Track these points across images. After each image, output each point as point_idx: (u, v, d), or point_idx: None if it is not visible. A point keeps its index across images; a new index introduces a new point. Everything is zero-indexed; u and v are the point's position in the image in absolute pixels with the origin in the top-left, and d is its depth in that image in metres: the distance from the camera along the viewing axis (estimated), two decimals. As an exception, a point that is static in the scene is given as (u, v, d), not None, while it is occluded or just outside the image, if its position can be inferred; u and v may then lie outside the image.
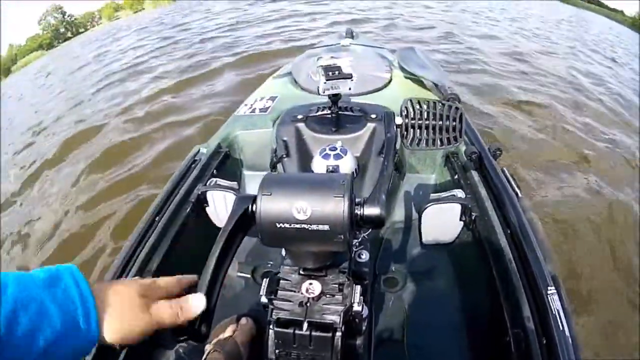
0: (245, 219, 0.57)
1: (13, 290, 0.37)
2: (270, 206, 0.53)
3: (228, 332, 0.92)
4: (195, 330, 0.54)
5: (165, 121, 3.92)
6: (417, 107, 1.14)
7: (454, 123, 1.16)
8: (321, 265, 0.67)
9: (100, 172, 3.23)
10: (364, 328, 0.72)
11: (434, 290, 1.25)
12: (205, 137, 1.85)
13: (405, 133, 1.15)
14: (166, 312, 0.49)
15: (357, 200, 0.59)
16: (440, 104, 1.15)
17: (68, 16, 33.10)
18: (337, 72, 1.25)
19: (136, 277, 0.50)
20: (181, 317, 0.50)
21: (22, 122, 5.84)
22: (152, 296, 0.50)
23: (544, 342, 0.79)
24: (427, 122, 1.15)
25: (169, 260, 1.14)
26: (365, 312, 0.69)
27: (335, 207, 0.52)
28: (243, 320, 0.97)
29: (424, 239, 1.32)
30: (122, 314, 0.45)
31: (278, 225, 0.53)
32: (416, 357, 1.07)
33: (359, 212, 0.58)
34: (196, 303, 0.51)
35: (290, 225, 0.53)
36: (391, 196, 1.49)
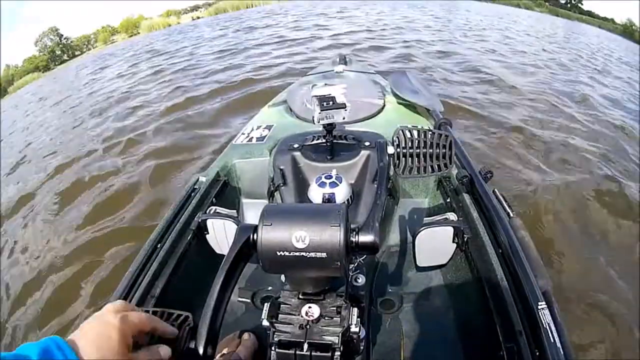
0: (246, 248, 0.60)
1: None
2: (270, 235, 0.57)
3: (231, 347, 0.95)
4: (203, 353, 0.57)
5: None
6: (408, 135, 1.20)
7: (444, 150, 1.21)
8: (319, 290, 0.70)
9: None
10: (361, 348, 0.76)
11: (429, 310, 1.28)
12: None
13: (397, 162, 1.20)
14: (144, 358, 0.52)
15: (352, 227, 0.63)
16: (430, 133, 1.20)
17: (64, 38, 33.36)
18: (331, 102, 1.30)
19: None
20: None
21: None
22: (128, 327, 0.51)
23: (537, 354, 0.82)
24: (417, 150, 1.20)
25: (172, 286, 1.17)
26: (363, 333, 0.73)
27: (332, 235, 0.56)
28: (245, 336, 0.99)
29: (418, 262, 1.35)
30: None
31: (278, 254, 0.57)
32: None
33: (354, 240, 0.62)
34: (164, 353, 0.54)
35: (289, 253, 0.56)
36: (386, 221, 1.52)
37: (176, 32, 16.67)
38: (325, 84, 1.95)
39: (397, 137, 1.20)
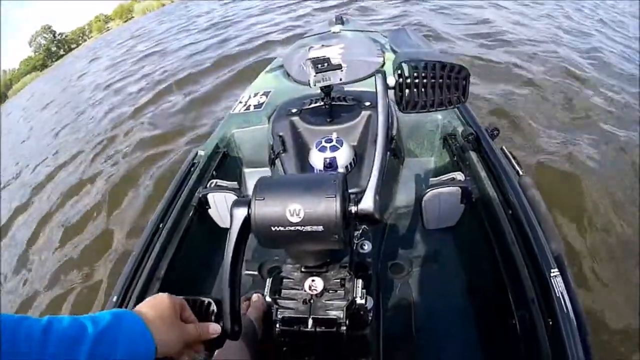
0: (245, 223, 0.58)
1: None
2: (264, 210, 0.54)
3: (242, 310, 0.94)
4: (231, 331, 0.58)
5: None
6: (413, 64, 0.99)
7: (456, 81, 0.93)
8: (322, 262, 0.68)
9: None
10: (370, 319, 0.73)
11: (440, 275, 1.25)
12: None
13: (400, 95, 0.92)
14: (192, 331, 0.54)
15: (352, 193, 0.60)
16: (440, 64, 1.01)
17: (58, 34, 33.12)
18: (326, 64, 1.24)
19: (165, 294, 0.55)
20: (202, 337, 0.55)
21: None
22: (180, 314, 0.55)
23: (550, 323, 0.79)
24: (425, 80, 0.92)
25: (177, 264, 1.16)
26: (370, 304, 0.71)
27: (328, 207, 0.53)
28: (254, 297, 0.98)
29: (426, 225, 1.32)
30: (164, 328, 0.51)
31: (273, 229, 0.54)
32: (424, 341, 1.08)
33: (352, 210, 0.58)
34: (213, 330, 0.56)
35: (284, 227, 0.54)
36: (391, 182, 1.48)
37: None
38: (322, 45, 1.88)
39: (400, 65, 1.00)
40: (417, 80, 0.90)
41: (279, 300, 0.66)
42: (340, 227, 0.53)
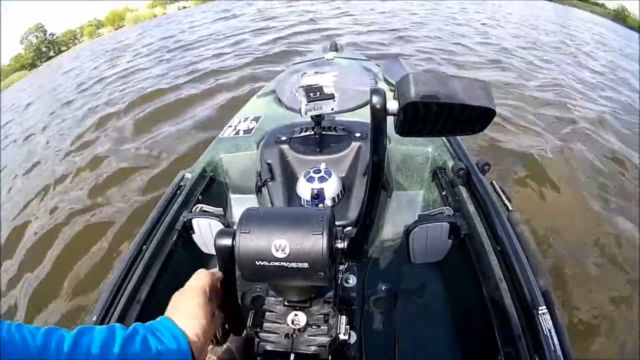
0: (230, 255, 0.56)
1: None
2: (249, 244, 0.53)
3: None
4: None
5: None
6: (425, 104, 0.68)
7: (480, 120, 0.61)
8: (306, 298, 0.66)
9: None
10: (352, 354, 0.71)
11: (425, 309, 1.23)
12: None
13: (403, 120, 0.66)
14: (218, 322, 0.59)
15: (340, 225, 0.59)
16: (462, 107, 0.76)
17: (49, 35, 32.81)
18: (318, 93, 1.24)
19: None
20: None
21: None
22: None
23: (536, 359, 0.79)
24: (439, 117, 0.59)
25: (158, 288, 1.11)
26: (353, 339, 0.69)
27: (314, 244, 0.51)
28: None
29: (413, 259, 1.30)
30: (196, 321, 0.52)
31: (257, 263, 0.53)
32: None
33: (340, 247, 0.57)
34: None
35: (269, 262, 0.52)
36: (378, 215, 1.46)
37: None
38: (315, 72, 1.89)
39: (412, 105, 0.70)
40: (430, 114, 0.64)
41: (260, 334, 0.65)
42: (327, 264, 0.52)
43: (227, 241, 0.54)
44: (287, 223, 0.54)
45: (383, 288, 1.30)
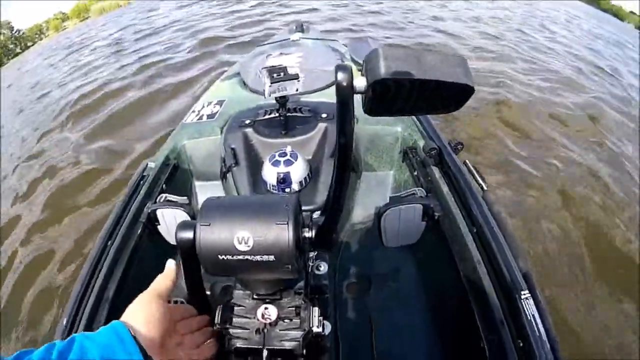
0: (192, 249, 0.52)
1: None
2: (210, 237, 0.49)
3: None
4: None
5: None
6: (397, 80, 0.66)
7: (456, 98, 0.58)
8: (275, 290, 0.63)
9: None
10: (327, 345, 0.69)
11: (400, 294, 1.20)
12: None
13: (372, 98, 0.58)
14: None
15: (307, 210, 0.55)
16: (437, 83, 0.83)
17: (16, 31, 31.61)
18: (282, 74, 1.19)
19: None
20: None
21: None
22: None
23: (521, 345, 0.76)
24: (413, 93, 0.63)
25: (126, 285, 1.06)
26: (328, 330, 0.66)
27: (279, 235, 0.48)
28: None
29: (385, 242, 1.26)
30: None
31: (220, 257, 0.49)
32: None
33: (307, 235, 0.54)
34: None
35: (232, 256, 0.49)
36: (348, 198, 1.43)
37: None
38: (280, 53, 1.84)
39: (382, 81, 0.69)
40: (401, 92, 0.59)
41: (230, 330, 0.61)
42: (294, 256, 0.48)
43: (188, 234, 0.51)
44: (249, 213, 0.50)
45: (356, 273, 1.27)
